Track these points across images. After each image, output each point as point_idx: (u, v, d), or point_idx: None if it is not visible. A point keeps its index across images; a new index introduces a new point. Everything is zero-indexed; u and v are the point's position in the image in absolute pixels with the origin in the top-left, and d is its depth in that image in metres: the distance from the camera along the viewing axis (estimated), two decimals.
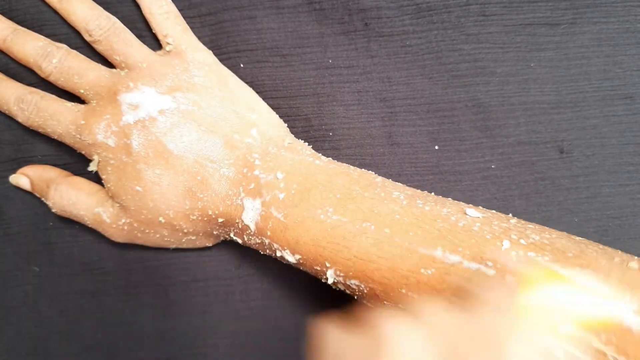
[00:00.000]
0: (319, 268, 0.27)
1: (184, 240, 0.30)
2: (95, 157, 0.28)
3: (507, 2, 0.31)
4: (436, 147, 0.31)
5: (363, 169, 0.29)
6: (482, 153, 0.31)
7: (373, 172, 0.29)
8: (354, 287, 0.26)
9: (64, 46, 0.30)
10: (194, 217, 0.28)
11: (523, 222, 0.26)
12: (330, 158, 0.29)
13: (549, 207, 0.31)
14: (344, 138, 0.32)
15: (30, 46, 0.29)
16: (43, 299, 0.31)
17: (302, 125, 0.32)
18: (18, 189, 0.32)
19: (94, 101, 0.29)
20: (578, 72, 0.31)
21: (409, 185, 0.31)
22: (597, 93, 0.31)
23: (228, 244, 0.31)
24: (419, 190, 0.28)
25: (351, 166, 0.29)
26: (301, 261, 0.27)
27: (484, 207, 0.31)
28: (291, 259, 0.27)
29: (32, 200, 0.32)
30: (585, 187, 0.31)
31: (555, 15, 0.31)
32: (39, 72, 0.30)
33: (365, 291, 0.26)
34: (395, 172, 0.31)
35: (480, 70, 0.31)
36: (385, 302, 0.26)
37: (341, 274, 0.26)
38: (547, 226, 0.31)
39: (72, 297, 0.31)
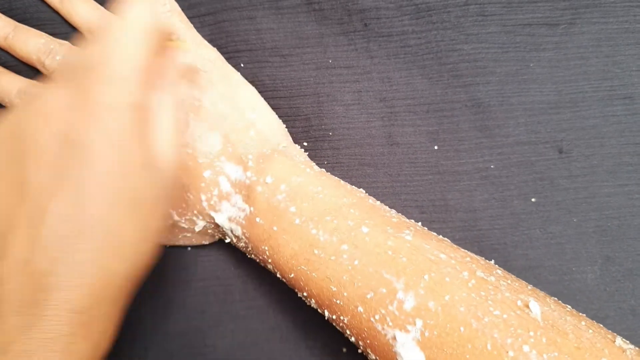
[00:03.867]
0: (294, 283, 0.26)
1: (180, 236, 0.30)
2: None
3: (507, 2, 0.31)
4: (435, 147, 0.31)
5: (354, 186, 0.28)
6: (481, 153, 0.31)
7: (364, 191, 0.28)
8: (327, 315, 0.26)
9: (67, 43, 0.30)
10: (190, 215, 0.28)
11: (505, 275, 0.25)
12: (323, 169, 0.29)
13: (548, 207, 0.31)
14: (343, 138, 0.32)
15: (32, 43, 0.30)
16: None
17: (302, 125, 0.32)
18: None
19: None
20: (577, 72, 0.31)
21: (409, 185, 0.31)
22: (596, 93, 0.31)
23: (227, 244, 0.31)
24: (410, 221, 0.27)
25: (342, 180, 0.28)
26: (277, 271, 0.27)
27: (482, 207, 0.31)
28: (270, 267, 0.27)
29: None
30: (584, 187, 0.31)
31: (555, 15, 0.31)
32: (41, 69, 0.30)
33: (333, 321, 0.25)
34: (395, 172, 0.31)
35: (479, 70, 0.31)
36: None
37: (310, 298, 0.26)
38: (546, 226, 0.31)
39: None
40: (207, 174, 0.27)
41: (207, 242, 0.31)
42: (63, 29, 0.31)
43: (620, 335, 0.29)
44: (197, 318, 0.31)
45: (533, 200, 0.31)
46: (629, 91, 0.31)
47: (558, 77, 0.31)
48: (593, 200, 0.31)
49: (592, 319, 0.30)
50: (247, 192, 0.27)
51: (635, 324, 0.30)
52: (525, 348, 0.20)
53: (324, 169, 0.29)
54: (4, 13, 0.31)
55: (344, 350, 0.30)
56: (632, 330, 0.30)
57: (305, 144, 0.32)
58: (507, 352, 0.20)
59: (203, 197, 0.28)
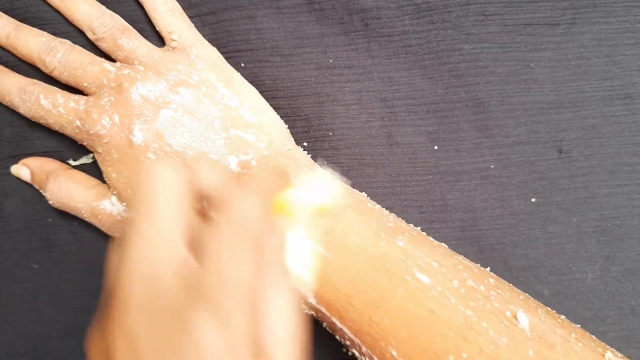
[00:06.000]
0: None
1: None
2: (91, 155, 0.29)
3: (507, 2, 0.31)
4: (435, 147, 0.31)
5: (355, 190, 0.29)
6: (481, 153, 0.31)
7: (365, 194, 0.29)
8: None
9: (67, 41, 0.30)
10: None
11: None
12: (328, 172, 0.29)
13: (548, 207, 0.31)
14: (343, 138, 0.32)
15: (33, 41, 0.30)
16: (42, 296, 0.31)
17: (302, 125, 0.32)
18: (17, 186, 0.32)
19: (98, 93, 0.29)
20: (577, 72, 0.31)
21: (409, 185, 0.31)
22: (596, 93, 0.31)
23: None
24: (409, 226, 0.28)
25: (349, 186, 0.28)
26: None
27: (481, 207, 0.31)
28: None
29: (31, 197, 0.32)
30: (584, 187, 0.31)
31: (555, 15, 0.31)
32: (42, 67, 0.30)
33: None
34: (395, 172, 0.31)
35: (480, 70, 0.31)
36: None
37: (311, 307, 0.26)
38: (546, 226, 0.31)
39: (72, 294, 0.31)
40: (213, 176, 0.28)
41: None
42: (64, 28, 0.31)
43: (620, 335, 0.29)
44: None
45: (533, 200, 0.31)
46: (629, 91, 0.31)
47: (558, 77, 0.31)
48: (592, 200, 0.31)
49: (592, 319, 0.30)
50: None
51: (635, 323, 0.30)
52: None
53: (331, 159, 0.29)
54: (5, 12, 0.31)
55: (344, 349, 0.30)
56: (632, 330, 0.30)
57: (305, 144, 0.32)
58: None
59: None
